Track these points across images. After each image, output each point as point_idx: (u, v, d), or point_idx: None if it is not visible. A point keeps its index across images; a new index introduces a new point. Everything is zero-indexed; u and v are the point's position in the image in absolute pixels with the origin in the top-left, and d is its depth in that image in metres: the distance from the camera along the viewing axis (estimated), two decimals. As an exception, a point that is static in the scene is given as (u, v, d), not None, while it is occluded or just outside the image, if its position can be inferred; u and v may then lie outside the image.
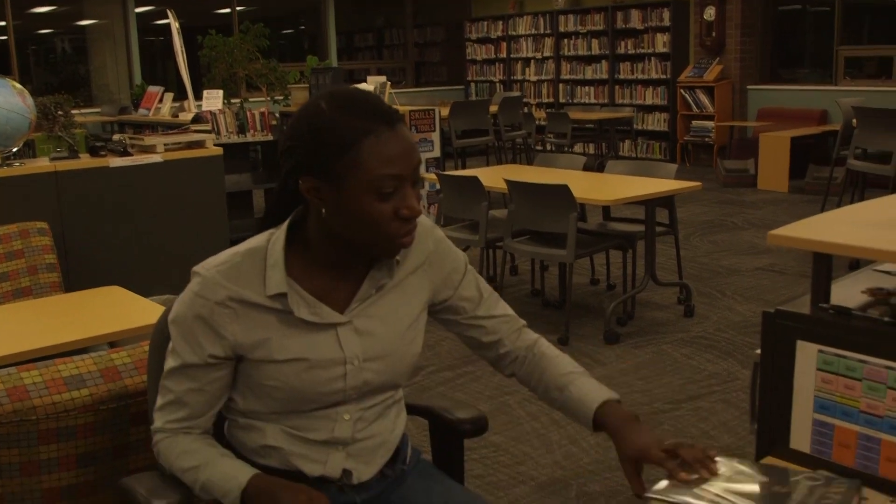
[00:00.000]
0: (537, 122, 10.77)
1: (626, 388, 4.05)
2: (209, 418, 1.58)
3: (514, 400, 3.91)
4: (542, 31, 12.63)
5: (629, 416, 1.52)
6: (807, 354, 1.45)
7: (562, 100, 12.41)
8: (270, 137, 7.14)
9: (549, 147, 10.59)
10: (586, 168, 5.63)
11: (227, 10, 12.45)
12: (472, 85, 13.92)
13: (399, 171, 1.41)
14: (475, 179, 5.03)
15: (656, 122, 11.30)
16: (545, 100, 12.68)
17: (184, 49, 7.98)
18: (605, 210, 5.55)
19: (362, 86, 8.01)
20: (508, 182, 4.78)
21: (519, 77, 13.11)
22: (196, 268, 1.51)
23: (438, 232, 1.67)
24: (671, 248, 5.37)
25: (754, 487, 1.31)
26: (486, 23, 13.51)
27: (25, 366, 1.86)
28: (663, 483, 1.34)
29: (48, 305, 3.22)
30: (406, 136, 1.43)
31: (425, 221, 1.62)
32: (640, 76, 11.36)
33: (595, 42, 11.90)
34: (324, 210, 1.44)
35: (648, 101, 11.32)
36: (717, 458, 1.40)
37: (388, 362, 1.58)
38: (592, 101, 11.98)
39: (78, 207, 4.25)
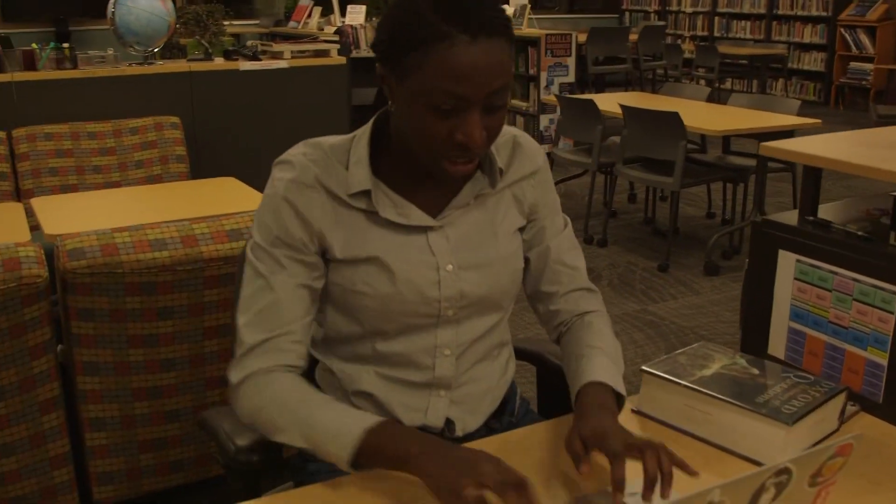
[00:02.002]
0: (685, 55, 10.51)
1: (713, 317, 4.10)
2: (305, 337, 1.35)
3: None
4: (701, -39, 12.23)
5: (609, 406, 1.28)
6: (787, 263, 1.53)
7: (716, 33, 12.03)
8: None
9: (699, 82, 10.33)
10: (710, 99, 5.57)
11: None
12: (627, 14, 13.64)
13: (463, 91, 1.19)
14: (591, 103, 5.08)
15: (812, 62, 10.82)
16: (699, 32, 12.32)
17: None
18: (726, 143, 5.48)
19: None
20: (623, 107, 4.81)
21: (674, 8, 12.76)
22: (278, 159, 1.37)
23: (545, 157, 1.51)
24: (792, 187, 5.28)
25: (743, 375, 1.39)
26: (644, -50, 13.18)
27: (119, 228, 2.15)
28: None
29: (168, 189, 3.56)
30: (489, 54, 1.19)
31: (535, 142, 1.49)
32: (800, 12, 10.86)
33: (755, -26, 11.45)
34: (391, 103, 1.30)
35: (806, 39, 10.83)
36: (714, 347, 1.47)
37: (485, 273, 1.39)
38: (748, 36, 11.56)
39: (208, 105, 4.59)
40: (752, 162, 4.92)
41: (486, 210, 1.42)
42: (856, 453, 1.34)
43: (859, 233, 1.48)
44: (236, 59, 4.65)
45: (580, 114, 5.22)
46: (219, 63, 4.63)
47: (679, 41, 11.66)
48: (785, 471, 0.87)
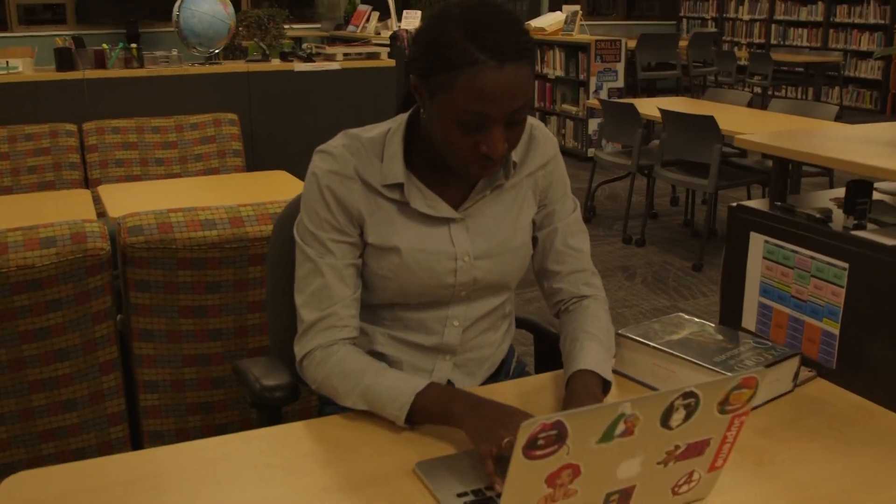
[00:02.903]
0: (740, 62, 10.54)
1: (741, 314, 4.22)
2: (355, 309, 1.51)
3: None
4: (759, -32, 12.25)
5: (594, 394, 1.41)
6: (757, 244, 1.69)
7: (773, 41, 12.02)
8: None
9: (753, 89, 10.34)
10: (752, 105, 5.68)
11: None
12: (685, 21, 13.68)
13: (489, 111, 1.32)
14: (632, 107, 5.23)
15: (869, 70, 10.77)
16: (756, 40, 12.32)
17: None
18: (766, 148, 5.59)
19: (549, 16, 8.23)
20: (661, 111, 4.96)
21: (731, 15, 12.77)
22: (319, 148, 1.50)
23: (557, 145, 1.64)
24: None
25: (708, 340, 1.57)
26: (703, -43, 13.22)
27: (174, 209, 2.39)
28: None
29: (223, 180, 3.82)
30: (514, 78, 1.31)
31: (548, 131, 1.62)
32: (857, 20, 10.82)
33: (813, -19, 11.43)
34: (422, 110, 1.43)
35: (863, 47, 10.78)
36: (688, 317, 1.64)
37: (498, 261, 1.54)
38: (804, 43, 11.54)
39: (264, 103, 4.86)
40: (788, 166, 5.02)
41: (504, 202, 1.56)
42: (803, 410, 1.51)
43: (817, 215, 1.64)
44: (291, 61, 4.91)
45: (622, 118, 5.38)
46: (275, 64, 4.89)
47: (736, 48, 11.68)
48: (692, 394, 1.04)
